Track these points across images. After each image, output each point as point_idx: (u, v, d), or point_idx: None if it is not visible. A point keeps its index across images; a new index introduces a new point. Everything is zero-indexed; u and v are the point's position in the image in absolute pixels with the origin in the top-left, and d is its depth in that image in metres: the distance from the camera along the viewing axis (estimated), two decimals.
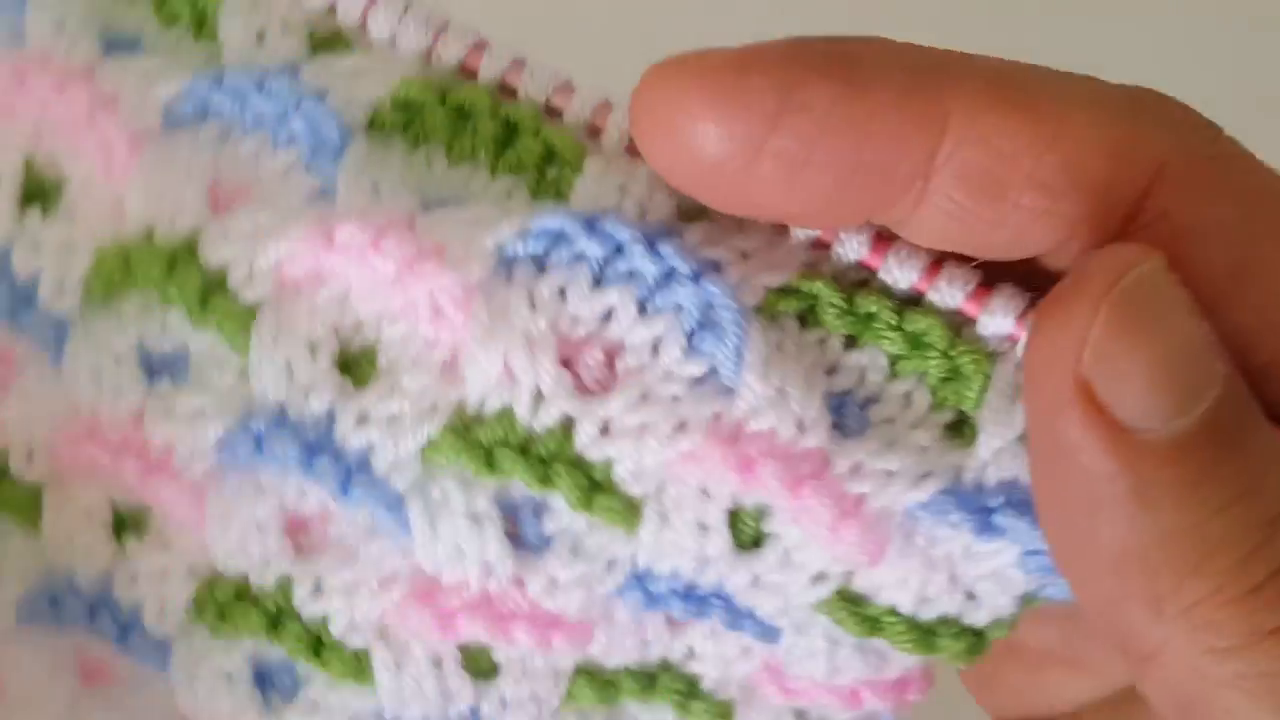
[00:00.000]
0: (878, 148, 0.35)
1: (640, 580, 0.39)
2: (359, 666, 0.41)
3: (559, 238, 0.38)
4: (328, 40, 0.42)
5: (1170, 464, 0.32)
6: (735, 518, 0.39)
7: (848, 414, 0.39)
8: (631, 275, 0.38)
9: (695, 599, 0.40)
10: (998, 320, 0.38)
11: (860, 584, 0.39)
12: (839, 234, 0.39)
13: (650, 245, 0.38)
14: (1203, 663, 0.33)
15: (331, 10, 0.42)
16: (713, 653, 0.42)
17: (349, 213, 0.39)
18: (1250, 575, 0.33)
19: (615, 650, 0.41)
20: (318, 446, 0.39)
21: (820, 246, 0.39)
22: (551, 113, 0.41)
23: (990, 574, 0.39)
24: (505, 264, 0.38)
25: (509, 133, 0.41)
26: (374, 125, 0.41)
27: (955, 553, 0.39)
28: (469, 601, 0.39)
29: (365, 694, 0.41)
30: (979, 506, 0.38)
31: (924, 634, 0.40)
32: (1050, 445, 0.34)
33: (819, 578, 0.39)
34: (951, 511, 0.38)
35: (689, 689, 0.42)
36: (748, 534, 0.39)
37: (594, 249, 0.38)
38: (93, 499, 0.43)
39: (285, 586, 0.41)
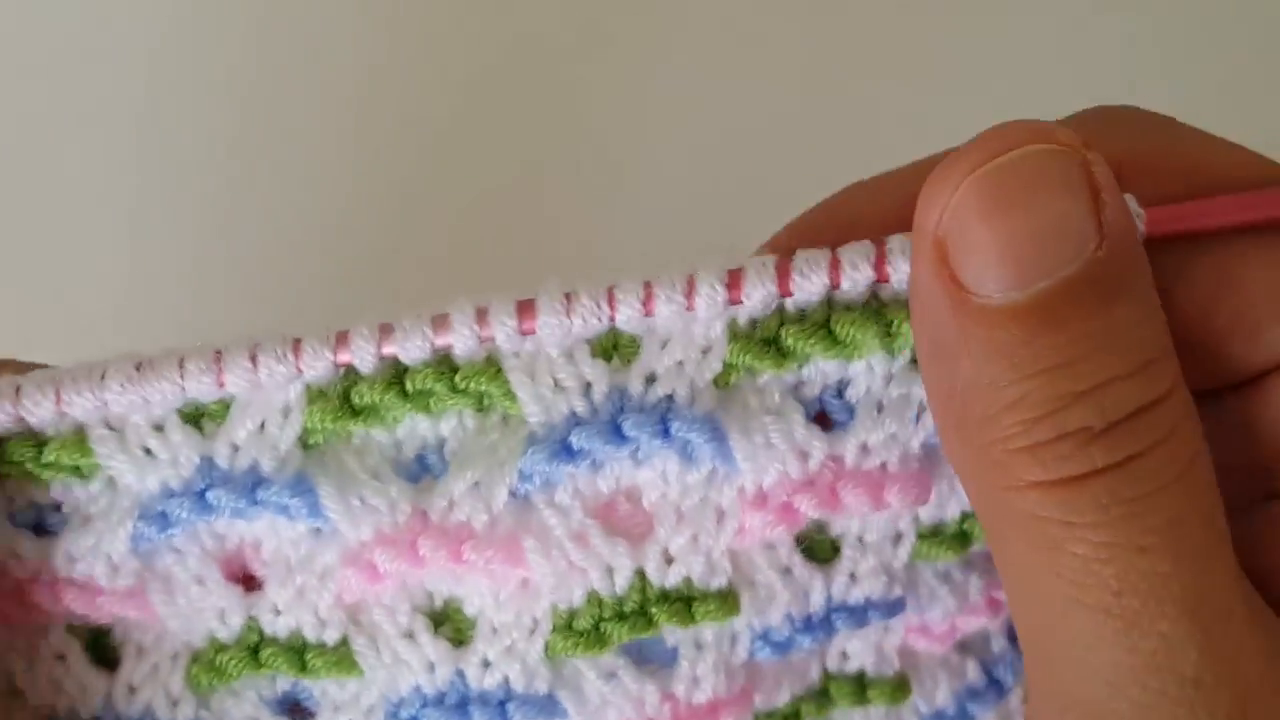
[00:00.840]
0: None
1: (764, 637, 0.45)
2: None
3: (547, 467, 0.42)
4: (199, 411, 0.43)
5: (992, 326, 0.36)
6: (807, 544, 0.44)
7: (830, 406, 0.43)
8: (615, 455, 0.42)
9: (816, 627, 0.45)
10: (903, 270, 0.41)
11: (928, 518, 0.45)
12: (743, 286, 0.41)
13: (616, 431, 0.41)
14: (984, 492, 0.38)
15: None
16: (859, 648, 0.47)
17: (372, 541, 0.42)
18: (1033, 435, 0.36)
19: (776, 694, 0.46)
20: (463, 701, 0.44)
21: (733, 302, 0.42)
22: (441, 350, 0.42)
23: None
24: (520, 497, 0.43)
25: (426, 399, 0.42)
26: (309, 449, 0.43)
27: None
28: None
29: None
30: None
31: None
32: (915, 288, 0.39)
33: (898, 539, 0.44)
34: None
35: (858, 685, 0.47)
36: (825, 549, 0.45)
37: (580, 462, 0.42)
38: None
39: None
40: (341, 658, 0.44)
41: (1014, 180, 0.36)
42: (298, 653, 0.44)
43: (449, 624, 0.44)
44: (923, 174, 0.39)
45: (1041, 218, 0.36)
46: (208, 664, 0.44)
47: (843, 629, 0.45)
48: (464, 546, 0.42)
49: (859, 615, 0.45)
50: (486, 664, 0.44)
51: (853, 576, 0.44)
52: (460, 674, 0.44)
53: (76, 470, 0.42)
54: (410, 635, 0.44)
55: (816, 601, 0.44)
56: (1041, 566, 0.37)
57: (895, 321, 0.41)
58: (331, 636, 0.44)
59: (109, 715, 0.45)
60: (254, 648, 0.44)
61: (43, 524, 0.44)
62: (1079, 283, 0.36)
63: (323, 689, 0.45)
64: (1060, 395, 0.36)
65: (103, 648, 0.45)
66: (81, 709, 0.45)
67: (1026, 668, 0.40)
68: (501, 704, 0.44)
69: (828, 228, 0.43)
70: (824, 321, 0.41)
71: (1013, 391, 0.36)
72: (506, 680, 0.44)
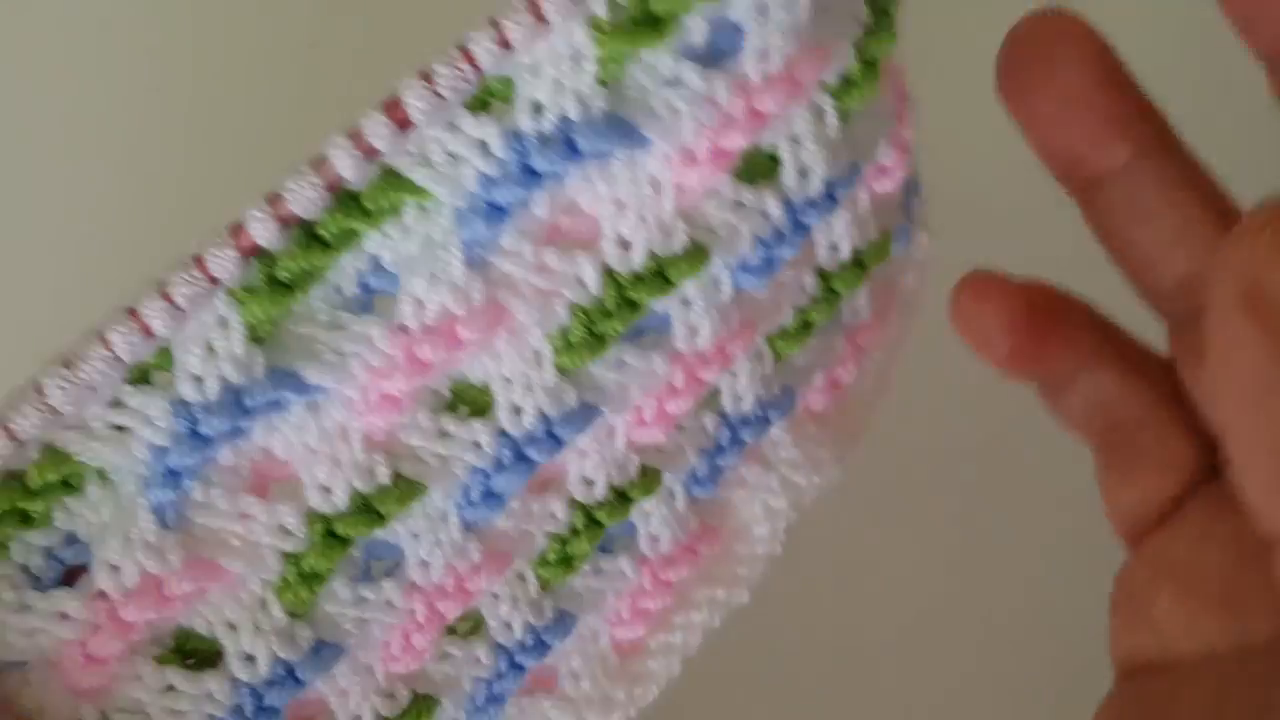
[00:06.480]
0: None
1: (743, 268, 0.42)
2: None
3: (485, 230, 0.40)
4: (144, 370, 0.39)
5: None
6: (745, 173, 0.42)
7: (718, 41, 0.40)
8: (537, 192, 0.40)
9: (788, 236, 0.43)
10: None
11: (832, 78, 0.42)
12: None
13: (528, 173, 0.40)
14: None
15: None
16: (843, 229, 0.44)
17: (369, 384, 0.40)
18: None
19: None
20: (518, 455, 0.42)
21: None
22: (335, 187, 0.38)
23: None
24: (477, 265, 0.40)
25: (348, 238, 0.40)
26: (266, 344, 0.40)
27: None
28: None
29: None
30: None
31: None
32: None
33: (819, 112, 0.41)
34: None
35: (857, 265, 0.45)
36: (764, 167, 0.42)
37: (508, 213, 0.40)
38: None
39: None
40: (405, 494, 0.41)
41: None
42: (368, 512, 0.41)
43: (465, 404, 0.42)
44: None
45: None
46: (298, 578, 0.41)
47: (817, 222, 0.43)
48: (456, 328, 0.40)
49: (826, 202, 0.43)
50: (518, 410, 0.42)
51: (803, 172, 0.42)
52: (503, 434, 0.42)
53: (66, 486, 0.38)
54: (445, 435, 0.41)
55: (777, 215, 0.42)
56: None
57: None
58: (381, 481, 0.41)
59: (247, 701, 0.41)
60: (329, 533, 0.41)
61: (72, 565, 0.40)
62: None
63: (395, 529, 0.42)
64: None
65: (193, 651, 0.41)
66: (215, 714, 0.41)
67: None
68: (549, 432, 0.42)
69: None
70: None
71: None
72: (541, 411, 0.42)
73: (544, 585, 0.44)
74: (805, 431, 0.46)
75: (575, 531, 0.43)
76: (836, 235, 0.44)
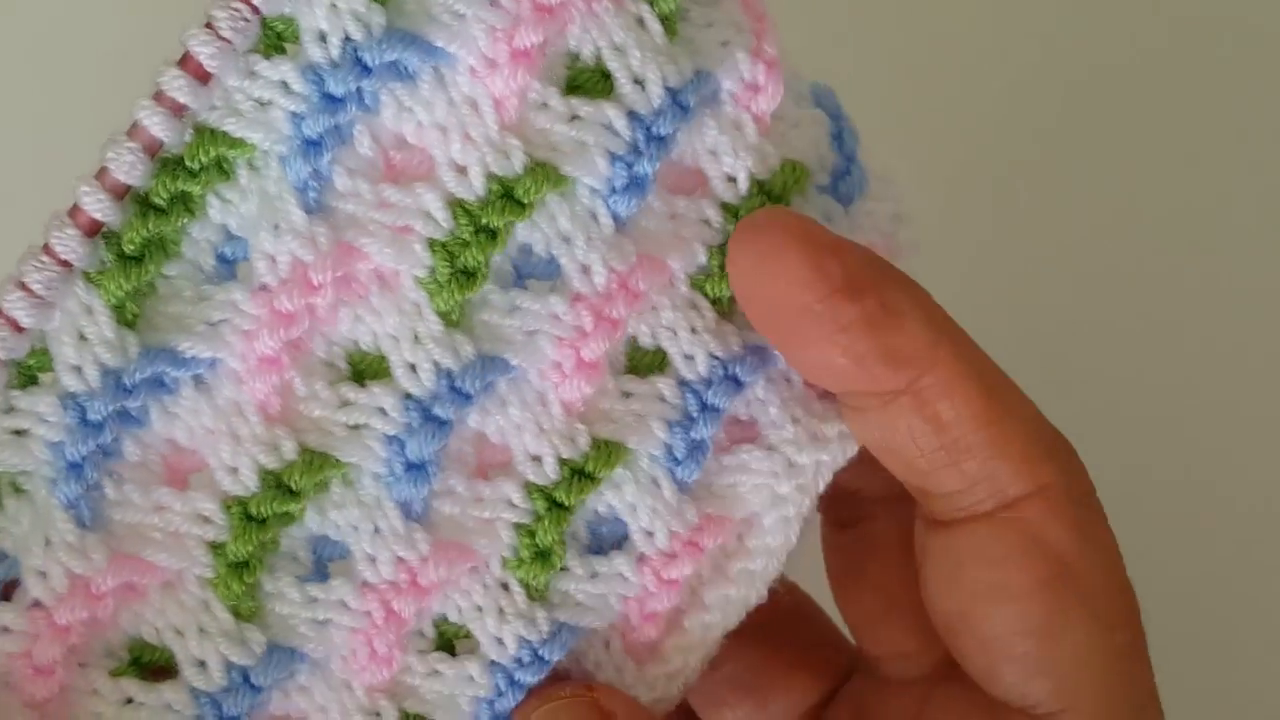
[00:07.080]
0: (874, 377, 0.40)
1: (612, 190, 0.42)
2: None
3: (309, 166, 0.41)
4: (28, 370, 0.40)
5: None
6: (575, 87, 0.42)
7: None
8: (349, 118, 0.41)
9: (644, 147, 0.42)
10: None
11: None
12: None
13: (331, 100, 0.40)
14: None
15: None
16: (714, 131, 0.43)
17: (242, 350, 0.41)
18: None
19: None
20: (426, 414, 0.41)
21: None
22: (150, 151, 0.40)
23: None
24: (316, 211, 0.41)
25: (184, 203, 0.41)
26: (135, 327, 0.41)
27: None
28: None
29: None
30: None
31: None
32: None
33: (639, 21, 0.42)
34: None
35: (760, 189, 0.44)
36: (592, 82, 0.42)
37: (328, 146, 0.41)
38: None
39: None
40: (314, 466, 0.41)
41: None
42: (279, 489, 0.40)
43: (363, 373, 0.42)
44: None
45: None
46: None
47: (670, 131, 0.42)
48: (308, 274, 0.40)
49: (675, 110, 0.41)
50: (414, 368, 0.41)
51: (638, 81, 0.41)
52: (407, 396, 0.41)
53: None
54: (346, 403, 0.41)
55: (623, 126, 0.41)
56: None
57: None
58: (287, 455, 0.41)
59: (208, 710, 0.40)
60: (246, 516, 0.40)
61: (5, 580, 0.40)
62: None
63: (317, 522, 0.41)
64: None
65: (149, 662, 0.41)
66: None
67: None
68: (452, 386, 0.41)
69: None
70: None
71: None
72: (437, 364, 0.41)
73: (531, 593, 0.41)
74: (809, 408, 0.43)
75: (539, 518, 0.41)
76: (727, 165, 0.43)
